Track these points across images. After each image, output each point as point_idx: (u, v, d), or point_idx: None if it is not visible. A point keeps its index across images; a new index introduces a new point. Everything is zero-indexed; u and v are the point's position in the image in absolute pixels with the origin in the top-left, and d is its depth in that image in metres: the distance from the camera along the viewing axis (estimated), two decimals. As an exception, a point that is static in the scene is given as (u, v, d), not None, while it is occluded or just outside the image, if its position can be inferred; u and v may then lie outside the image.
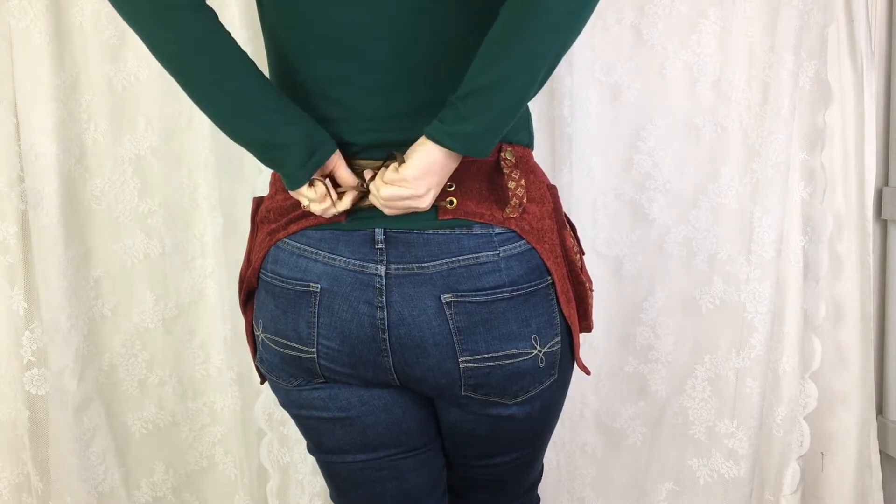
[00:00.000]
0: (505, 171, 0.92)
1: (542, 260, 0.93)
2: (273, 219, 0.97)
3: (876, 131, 1.52)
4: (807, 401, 1.58)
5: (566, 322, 0.96)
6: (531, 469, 1.11)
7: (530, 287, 0.92)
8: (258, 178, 1.51)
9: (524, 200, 0.92)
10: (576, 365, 1.02)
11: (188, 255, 1.56)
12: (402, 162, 0.86)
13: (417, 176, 0.85)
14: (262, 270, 0.98)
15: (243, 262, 1.04)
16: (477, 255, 0.90)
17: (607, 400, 1.62)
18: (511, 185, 0.91)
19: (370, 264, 0.91)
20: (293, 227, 0.94)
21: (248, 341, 1.05)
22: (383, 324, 0.91)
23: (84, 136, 1.47)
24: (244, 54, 0.88)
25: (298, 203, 0.93)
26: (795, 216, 1.51)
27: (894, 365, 1.62)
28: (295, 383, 0.99)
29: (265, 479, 1.61)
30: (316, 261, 0.92)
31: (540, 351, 0.94)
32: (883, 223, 1.62)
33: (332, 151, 0.89)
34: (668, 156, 1.53)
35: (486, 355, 0.92)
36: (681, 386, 1.59)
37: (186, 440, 1.61)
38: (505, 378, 0.94)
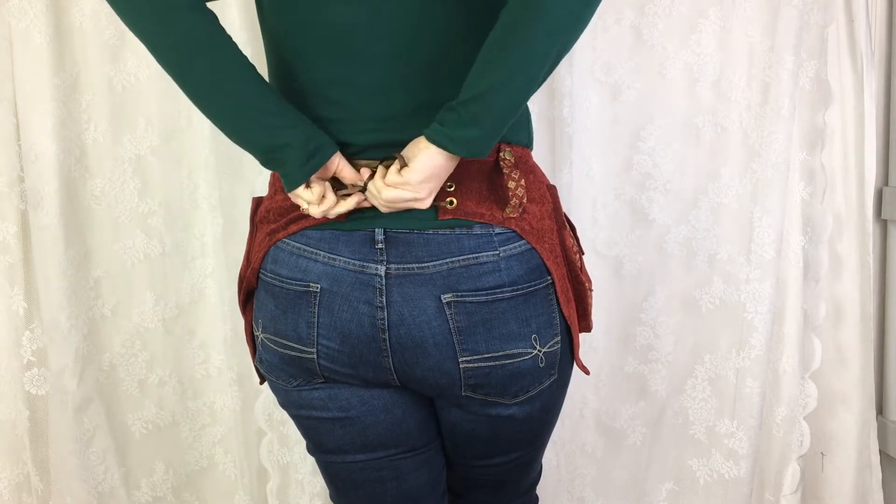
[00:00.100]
0: (504, 171, 0.92)
1: (542, 260, 0.93)
2: (273, 219, 0.97)
3: (876, 131, 1.52)
4: (807, 401, 1.58)
5: (566, 322, 0.96)
6: (530, 469, 1.11)
7: (530, 287, 0.92)
8: (258, 178, 1.51)
9: (524, 200, 0.92)
10: (575, 365, 1.02)
11: (188, 255, 1.56)
12: (403, 164, 0.86)
13: (421, 180, 0.85)
14: (261, 271, 0.98)
15: (242, 263, 1.04)
16: (477, 255, 0.90)
17: (607, 400, 1.62)
18: (511, 185, 0.92)
19: (370, 264, 0.91)
20: (293, 228, 0.94)
21: (248, 341, 1.05)
22: (383, 324, 0.91)
23: (84, 136, 1.47)
24: (244, 57, 0.88)
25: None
26: (795, 216, 1.51)
27: (894, 365, 1.62)
28: (294, 383, 0.99)
29: (265, 479, 1.61)
30: (316, 261, 0.92)
31: (540, 351, 0.94)
32: (883, 223, 1.62)
33: (333, 153, 0.89)
34: (668, 156, 1.53)
35: (486, 355, 0.92)
36: (681, 386, 1.59)
37: (186, 440, 1.61)
38: (505, 378, 0.94)
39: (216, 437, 1.62)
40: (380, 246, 0.90)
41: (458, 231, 0.90)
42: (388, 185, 0.86)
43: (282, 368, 0.98)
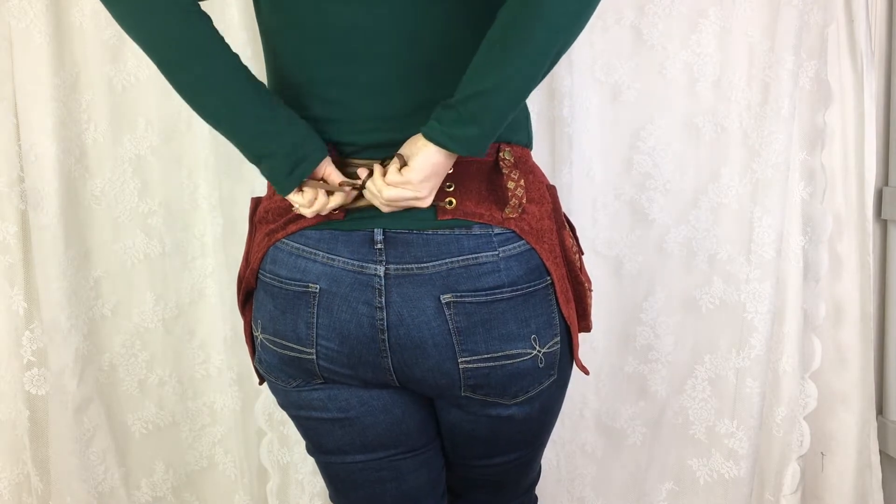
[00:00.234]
0: (504, 171, 0.92)
1: (542, 260, 0.93)
2: (272, 219, 0.96)
3: (876, 131, 1.52)
4: (807, 401, 1.58)
5: (565, 322, 0.96)
6: (530, 469, 1.11)
7: (530, 287, 0.92)
8: (258, 178, 1.51)
9: (524, 201, 0.92)
10: (575, 365, 1.02)
11: (188, 255, 1.56)
12: (403, 163, 0.86)
13: (421, 178, 0.85)
14: (260, 271, 0.98)
15: (241, 263, 1.04)
16: (476, 255, 0.90)
17: (607, 400, 1.62)
18: (510, 185, 0.91)
19: (369, 264, 0.91)
20: (292, 228, 0.94)
21: (247, 342, 1.05)
22: (382, 324, 0.91)
23: (84, 136, 1.47)
24: (237, 60, 0.88)
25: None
26: (795, 216, 1.51)
27: (894, 365, 1.62)
28: (294, 384, 0.99)
29: (265, 479, 1.61)
30: (315, 261, 0.92)
31: (539, 351, 0.94)
32: (883, 223, 1.62)
33: (321, 160, 0.89)
34: (668, 156, 1.53)
35: (486, 356, 0.92)
36: (681, 386, 1.59)
37: (186, 440, 1.61)
38: (504, 378, 0.94)
39: (216, 437, 1.62)
40: (379, 246, 0.90)
41: (457, 231, 0.90)
42: (389, 185, 0.86)
43: (281, 369, 0.98)
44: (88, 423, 1.52)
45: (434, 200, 0.89)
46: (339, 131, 0.92)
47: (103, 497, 1.55)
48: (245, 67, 0.89)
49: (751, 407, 1.52)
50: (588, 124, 1.53)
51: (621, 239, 1.57)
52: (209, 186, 1.51)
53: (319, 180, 0.90)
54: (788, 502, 1.58)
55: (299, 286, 0.93)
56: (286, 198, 0.91)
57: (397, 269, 0.90)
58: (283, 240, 0.95)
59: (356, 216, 0.92)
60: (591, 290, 1.01)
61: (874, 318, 1.59)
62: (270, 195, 0.99)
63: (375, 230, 0.91)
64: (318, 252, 0.92)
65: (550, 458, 1.61)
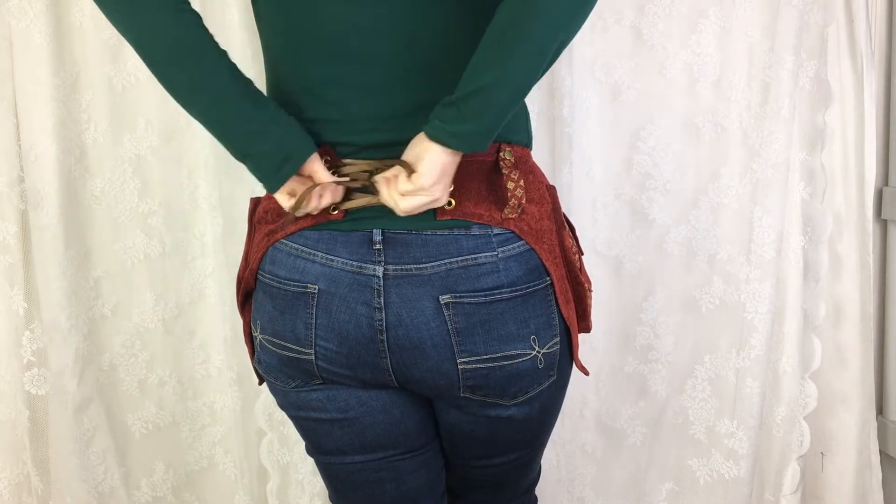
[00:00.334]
0: (504, 171, 0.91)
1: (541, 261, 0.92)
2: (271, 219, 0.96)
3: (876, 131, 1.52)
4: (807, 401, 1.58)
5: (565, 323, 0.96)
6: (529, 470, 1.11)
7: (529, 288, 0.92)
8: (258, 178, 1.51)
9: (523, 201, 0.91)
10: (574, 366, 1.02)
11: (188, 255, 1.56)
12: (410, 170, 0.85)
13: (433, 182, 0.84)
14: (259, 271, 0.97)
15: (241, 263, 1.03)
16: (475, 255, 0.90)
17: (607, 400, 1.62)
18: (510, 185, 0.91)
19: (368, 265, 0.90)
20: (291, 228, 0.94)
21: (246, 342, 1.05)
22: (381, 325, 0.90)
23: (84, 136, 1.47)
24: (225, 59, 0.88)
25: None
26: (795, 216, 1.51)
27: (894, 365, 1.62)
28: (293, 385, 0.99)
29: (265, 479, 1.61)
30: (313, 262, 0.92)
31: (539, 352, 0.94)
32: (883, 223, 1.62)
33: (307, 157, 0.89)
34: (668, 156, 1.53)
35: (485, 356, 0.92)
36: (681, 386, 1.59)
37: (186, 440, 1.61)
38: (504, 379, 0.93)
39: (216, 437, 1.62)
40: (377, 247, 0.90)
41: (456, 232, 0.90)
42: (404, 195, 0.86)
43: (280, 370, 0.98)
44: (88, 423, 1.52)
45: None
46: (337, 131, 0.91)
47: (103, 497, 1.55)
48: (233, 66, 0.89)
49: (751, 407, 1.52)
50: (588, 124, 1.53)
51: (621, 239, 1.57)
52: (209, 186, 1.51)
53: (307, 178, 0.90)
54: (788, 502, 1.58)
55: (298, 287, 0.93)
56: (275, 196, 0.91)
57: (396, 270, 0.90)
58: (283, 240, 0.94)
59: (355, 216, 0.91)
60: (590, 291, 1.01)
61: (874, 318, 1.59)
62: (269, 195, 0.99)
63: (374, 231, 0.90)
64: (316, 252, 0.92)
65: (550, 458, 1.61)
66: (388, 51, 0.89)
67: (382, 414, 0.99)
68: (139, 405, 1.57)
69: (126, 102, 1.48)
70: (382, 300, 0.90)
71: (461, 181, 0.90)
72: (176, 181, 1.53)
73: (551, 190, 0.97)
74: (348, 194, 0.92)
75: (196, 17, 0.87)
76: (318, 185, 0.89)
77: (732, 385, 1.55)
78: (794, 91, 1.43)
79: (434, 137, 0.84)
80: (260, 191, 1.45)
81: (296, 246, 0.93)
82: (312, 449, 1.05)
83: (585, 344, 1.56)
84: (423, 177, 0.84)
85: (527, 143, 0.97)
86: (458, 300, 0.90)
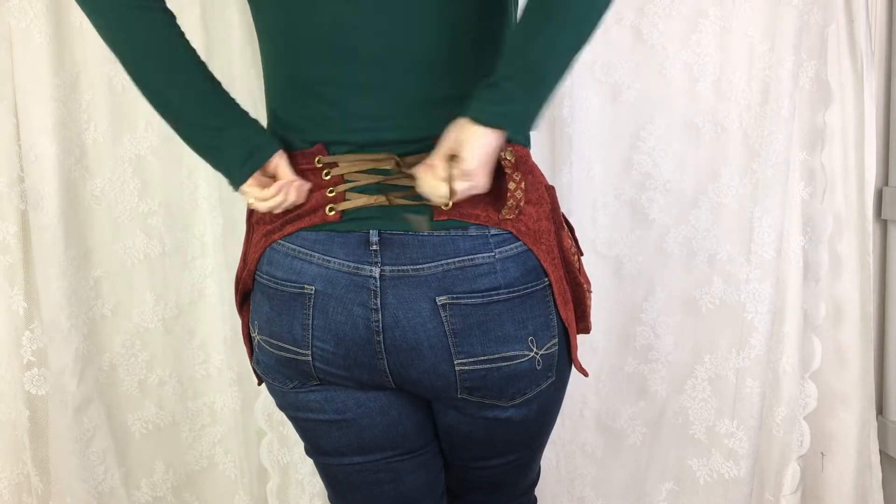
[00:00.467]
0: (507, 171, 0.91)
1: (539, 261, 0.92)
2: (269, 220, 0.96)
3: (876, 131, 1.52)
4: (807, 401, 1.58)
5: (563, 324, 0.96)
6: (528, 471, 1.11)
7: (527, 289, 0.91)
8: (258, 178, 1.51)
9: (521, 203, 0.91)
10: (573, 367, 1.01)
11: (188, 255, 1.56)
12: (450, 157, 0.84)
13: (478, 166, 0.83)
14: (257, 272, 0.97)
15: (239, 264, 1.03)
16: (472, 256, 0.89)
17: (607, 400, 1.62)
18: (511, 185, 0.90)
19: (364, 266, 0.90)
20: (289, 229, 0.94)
21: (245, 343, 1.05)
22: (378, 326, 0.90)
23: (84, 136, 1.47)
24: (194, 57, 0.90)
25: (293, 204, 0.93)
26: (795, 216, 1.51)
27: (894, 365, 1.62)
28: (291, 385, 0.99)
29: (265, 479, 1.61)
30: (310, 262, 0.92)
31: (537, 353, 0.93)
32: (883, 223, 1.62)
33: (273, 153, 0.91)
34: (668, 156, 1.53)
35: (482, 358, 0.91)
36: (681, 386, 1.59)
37: (186, 440, 1.61)
38: (501, 380, 0.93)
39: (216, 437, 1.62)
40: (374, 248, 0.90)
41: (453, 232, 0.89)
42: (445, 181, 0.84)
43: (278, 370, 0.98)
44: (88, 423, 1.52)
45: (428, 201, 0.89)
46: (335, 130, 0.91)
47: (103, 497, 1.55)
48: (201, 64, 0.91)
49: (751, 407, 1.52)
50: (588, 124, 1.53)
51: (621, 239, 1.57)
52: (209, 186, 1.51)
53: (271, 177, 0.91)
54: (788, 502, 1.58)
55: (295, 287, 0.93)
56: (240, 190, 0.92)
57: (393, 271, 0.89)
58: (280, 241, 0.94)
59: (352, 217, 0.91)
60: (590, 292, 1.00)
61: (874, 318, 1.59)
62: None
63: (371, 231, 0.90)
64: (313, 253, 0.92)
65: (550, 458, 1.61)
66: (387, 50, 0.89)
67: (380, 415, 0.98)
68: (139, 405, 1.57)
69: (126, 102, 1.48)
70: (379, 301, 0.90)
71: None
72: (176, 181, 1.53)
73: (550, 190, 0.97)
74: (345, 195, 0.92)
75: (168, 15, 0.89)
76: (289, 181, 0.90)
77: (732, 385, 1.55)
78: (794, 91, 1.43)
79: (481, 120, 0.82)
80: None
81: (293, 247, 0.93)
82: (311, 450, 1.05)
83: (585, 344, 1.56)
84: (469, 161, 0.83)
85: (526, 143, 0.97)
86: (454, 301, 0.89)
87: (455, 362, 0.91)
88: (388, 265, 0.90)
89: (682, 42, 1.49)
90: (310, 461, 1.53)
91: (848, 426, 1.59)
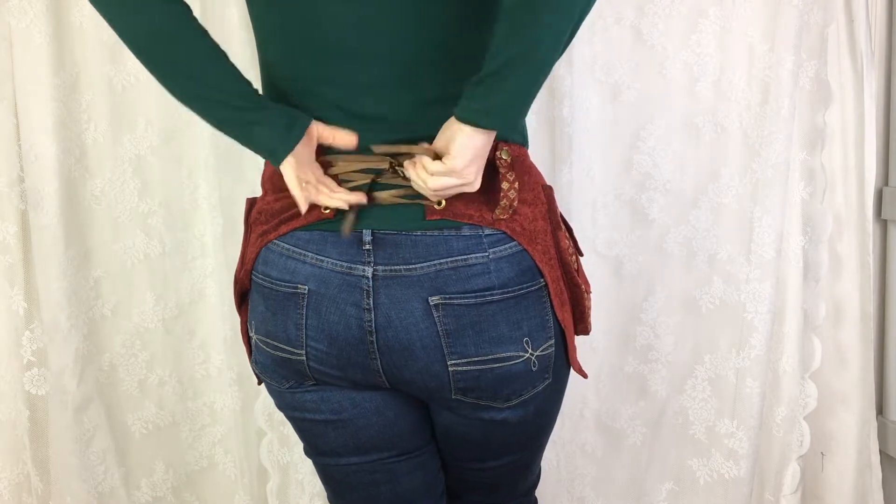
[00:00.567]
0: (501, 170, 0.90)
1: (535, 262, 0.91)
2: (264, 220, 0.96)
3: (876, 131, 1.52)
4: (807, 401, 1.58)
5: (560, 325, 0.95)
6: (528, 472, 1.10)
7: (522, 289, 0.91)
8: (258, 177, 1.50)
9: (515, 203, 0.90)
10: (572, 368, 1.01)
11: (188, 255, 1.56)
12: (434, 154, 0.84)
13: (465, 164, 0.83)
14: (253, 272, 0.97)
15: (238, 263, 1.03)
16: (466, 256, 0.89)
17: (607, 400, 1.62)
18: (504, 185, 0.90)
19: (357, 266, 0.90)
20: (283, 228, 0.93)
21: (244, 342, 1.05)
22: (370, 326, 0.90)
23: (84, 136, 1.47)
24: (214, 46, 0.88)
25: (288, 204, 0.93)
26: (795, 216, 1.51)
27: (894, 365, 1.62)
28: (287, 385, 0.99)
29: (265, 479, 1.62)
30: (304, 262, 0.92)
31: (532, 354, 0.93)
32: (883, 223, 1.62)
33: (310, 122, 0.89)
34: (668, 156, 1.53)
35: (476, 358, 0.91)
36: (681, 386, 1.59)
37: (186, 440, 1.61)
38: (495, 381, 0.92)
39: (216, 437, 1.62)
40: (367, 247, 0.90)
41: (446, 232, 0.89)
42: (434, 175, 0.84)
43: (274, 370, 0.98)
44: (88, 423, 1.52)
45: (422, 200, 0.88)
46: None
47: (103, 497, 1.55)
48: (222, 53, 0.89)
49: (751, 407, 1.52)
50: (588, 124, 1.53)
51: (621, 239, 1.57)
52: (209, 186, 1.51)
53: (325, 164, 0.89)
54: (788, 502, 1.58)
55: (289, 287, 0.92)
56: (286, 172, 0.89)
57: (385, 271, 0.89)
58: (275, 241, 0.94)
59: (345, 217, 0.91)
60: (588, 294, 0.99)
61: (874, 318, 1.59)
62: (263, 196, 0.98)
63: (364, 231, 0.90)
64: (307, 253, 0.92)
65: (550, 458, 1.61)
66: (386, 49, 0.89)
67: (376, 416, 0.98)
68: (139, 405, 1.57)
69: (126, 102, 1.48)
70: (372, 301, 0.89)
71: None
72: (176, 181, 1.53)
73: (547, 190, 0.96)
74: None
75: (182, 5, 0.87)
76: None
77: (732, 385, 1.55)
78: (794, 91, 1.43)
79: (464, 118, 0.82)
80: (258, 191, 1.45)
81: (287, 246, 0.93)
82: (310, 450, 1.06)
83: (585, 344, 1.56)
84: (454, 158, 0.83)
85: (523, 142, 0.97)
86: (447, 301, 0.89)
87: (448, 363, 0.91)
88: (381, 265, 0.89)
89: (682, 42, 1.49)
90: (310, 461, 1.54)
91: (848, 426, 1.59)
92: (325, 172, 0.91)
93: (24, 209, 1.44)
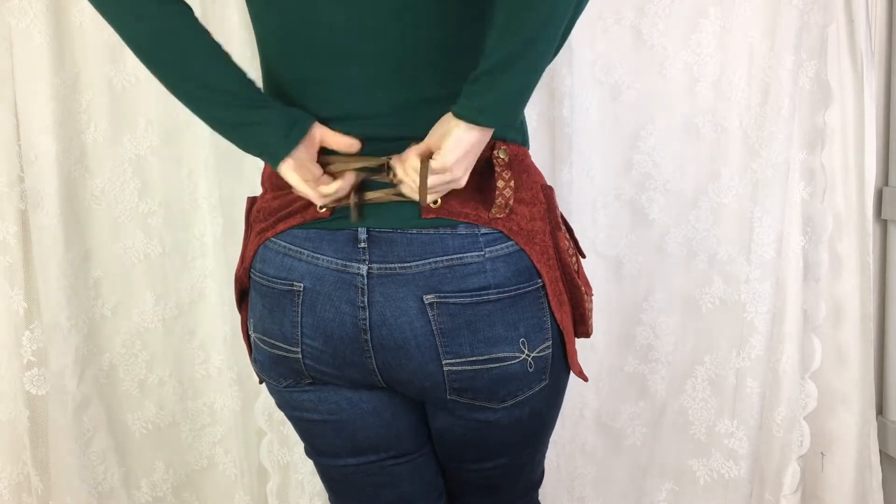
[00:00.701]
0: (497, 169, 0.90)
1: (532, 262, 0.91)
2: (262, 218, 0.96)
3: (876, 131, 1.52)
4: (807, 401, 1.58)
5: (558, 326, 0.94)
6: (527, 473, 1.09)
7: (518, 289, 0.90)
8: (258, 177, 1.50)
9: (510, 201, 0.90)
10: (572, 371, 1.00)
11: (188, 255, 1.56)
12: (427, 155, 0.84)
13: (456, 160, 0.83)
14: (251, 270, 0.98)
15: (238, 262, 1.03)
16: (461, 255, 0.89)
17: (607, 400, 1.62)
18: (500, 184, 0.90)
19: (353, 264, 0.90)
20: (281, 227, 0.93)
21: (245, 341, 1.05)
22: (365, 324, 0.90)
23: (84, 136, 1.47)
24: (217, 46, 0.88)
25: (286, 202, 0.93)
26: (795, 216, 1.51)
27: (894, 365, 1.62)
28: (285, 384, 0.99)
29: (265, 479, 1.62)
30: (300, 260, 0.92)
31: (528, 355, 0.92)
32: (883, 223, 1.62)
33: (312, 122, 0.88)
34: (668, 156, 1.53)
35: (471, 358, 0.90)
36: (681, 386, 1.59)
37: (186, 440, 1.61)
38: (491, 382, 0.92)
39: (216, 437, 1.62)
40: (362, 245, 0.89)
41: (441, 231, 0.89)
42: (422, 174, 0.84)
43: (272, 368, 0.98)
44: (88, 423, 1.52)
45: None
46: (332, 129, 0.91)
47: (103, 497, 1.55)
48: (225, 53, 0.88)
49: (751, 407, 1.52)
50: (588, 124, 1.53)
51: (621, 239, 1.57)
52: (209, 186, 1.51)
53: (319, 154, 0.89)
54: (788, 502, 1.58)
55: (285, 285, 0.92)
56: (285, 171, 0.88)
57: (380, 269, 0.89)
58: (272, 238, 0.94)
59: (341, 214, 0.91)
60: (590, 296, 0.99)
61: (874, 318, 1.59)
62: (262, 194, 0.99)
63: (360, 229, 0.89)
64: (303, 251, 0.92)
65: (550, 458, 1.61)
66: (384, 48, 0.88)
67: (373, 416, 0.98)
68: (139, 405, 1.58)
69: (126, 102, 1.48)
70: (366, 299, 0.89)
71: None
72: (176, 181, 1.53)
73: (547, 190, 0.96)
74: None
75: (183, 6, 0.87)
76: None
77: (732, 385, 1.55)
78: (794, 91, 1.43)
79: (460, 115, 0.82)
80: (258, 190, 1.45)
81: (284, 244, 0.93)
82: (310, 450, 1.06)
83: (585, 344, 1.56)
84: (446, 155, 0.83)
85: (522, 142, 0.96)
86: (442, 300, 0.88)
87: (443, 362, 0.90)
88: (376, 263, 0.89)
89: (682, 42, 1.49)
90: (310, 461, 1.54)
91: (848, 426, 1.59)
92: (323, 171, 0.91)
93: (24, 209, 1.44)
